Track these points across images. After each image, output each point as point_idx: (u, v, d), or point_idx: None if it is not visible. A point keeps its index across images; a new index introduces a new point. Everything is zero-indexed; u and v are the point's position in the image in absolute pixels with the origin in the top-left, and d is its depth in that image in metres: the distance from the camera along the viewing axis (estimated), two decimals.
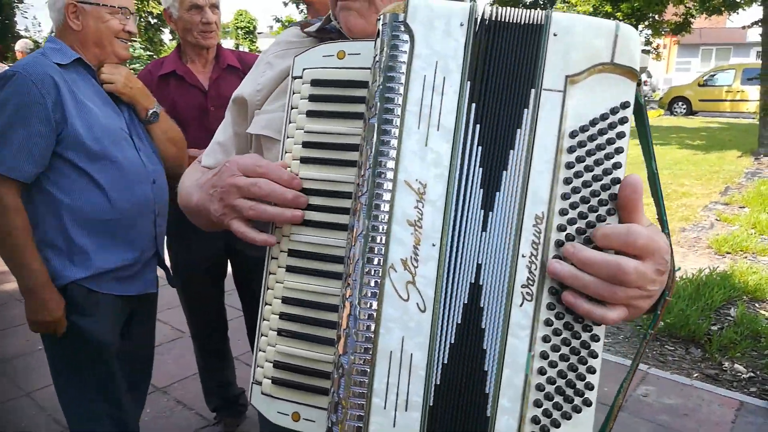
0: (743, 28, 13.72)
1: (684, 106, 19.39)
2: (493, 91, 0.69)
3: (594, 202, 0.68)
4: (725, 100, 18.48)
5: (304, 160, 0.78)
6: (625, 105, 0.68)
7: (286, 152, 0.80)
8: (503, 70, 0.69)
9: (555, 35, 0.68)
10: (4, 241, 1.57)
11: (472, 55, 0.69)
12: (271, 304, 0.80)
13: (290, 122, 0.80)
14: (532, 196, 0.68)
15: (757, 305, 4.03)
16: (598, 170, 0.68)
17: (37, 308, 1.61)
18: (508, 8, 0.70)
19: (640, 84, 0.69)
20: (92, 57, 1.73)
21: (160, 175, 1.84)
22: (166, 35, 24.62)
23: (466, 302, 0.69)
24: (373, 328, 0.69)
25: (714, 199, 7.25)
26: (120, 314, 1.79)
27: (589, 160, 0.68)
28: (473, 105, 0.69)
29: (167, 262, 2.44)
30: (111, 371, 1.76)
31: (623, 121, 0.68)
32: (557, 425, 0.68)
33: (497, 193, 0.69)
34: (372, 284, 0.68)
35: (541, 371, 0.68)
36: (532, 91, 0.68)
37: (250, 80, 1.04)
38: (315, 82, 0.79)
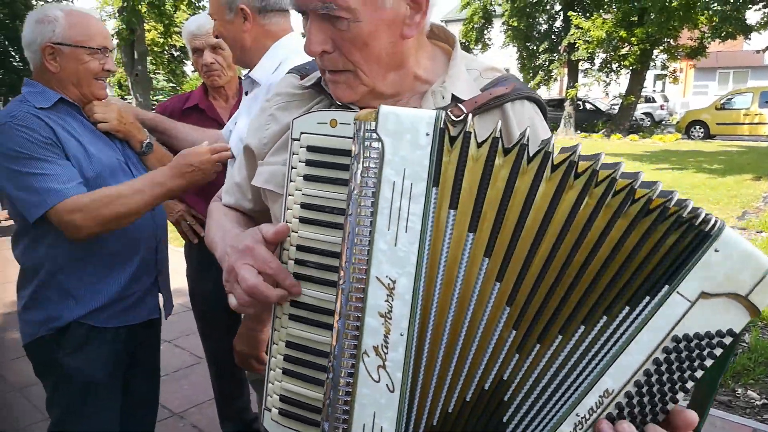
0: (757, 52, 13.73)
1: (702, 130, 19.29)
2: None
3: (657, 399, 0.74)
4: (743, 124, 18.35)
5: (303, 220, 0.86)
6: (731, 333, 0.71)
7: (287, 209, 0.88)
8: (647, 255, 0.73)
9: (716, 251, 0.70)
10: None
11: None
12: (277, 344, 0.89)
13: (291, 181, 0.88)
14: (614, 372, 0.74)
15: None
16: (676, 375, 0.72)
17: (197, 172, 1.66)
18: (690, 205, 0.72)
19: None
20: (72, 96, 1.72)
21: None
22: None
23: (467, 399, 0.79)
24: (348, 402, 0.79)
25: (731, 223, 7.19)
26: (125, 347, 1.79)
27: (675, 365, 0.72)
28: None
29: (186, 289, 2.54)
30: (105, 410, 1.75)
31: (721, 345, 0.71)
32: None
33: (577, 352, 0.75)
34: (349, 366, 0.78)
35: None
36: (666, 287, 0.72)
37: (256, 132, 1.09)
38: (310, 148, 0.86)
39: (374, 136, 0.76)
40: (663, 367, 0.72)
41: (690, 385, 0.72)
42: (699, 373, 0.72)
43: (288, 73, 1.13)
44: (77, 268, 1.66)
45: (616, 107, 22.09)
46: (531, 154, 0.75)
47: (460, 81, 0.98)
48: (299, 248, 0.86)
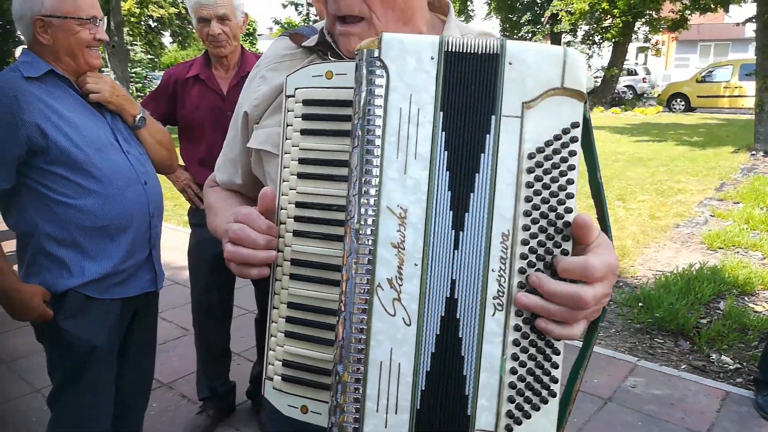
0: (737, 25, 13.78)
1: (682, 103, 19.47)
2: (458, 119, 0.75)
3: (552, 216, 0.74)
4: (723, 96, 18.54)
5: (301, 176, 0.85)
6: (575, 125, 0.73)
7: (284, 167, 0.86)
8: (466, 99, 0.74)
9: (510, 64, 0.73)
10: None
11: (444, 86, 0.75)
12: (278, 308, 0.87)
13: (287, 138, 0.86)
14: (498, 216, 0.73)
15: (746, 299, 4.13)
16: (554, 187, 0.73)
17: (16, 308, 1.63)
18: (468, 38, 0.75)
19: (586, 102, 0.75)
20: (66, 67, 1.73)
21: (151, 176, 1.86)
22: (166, 38, 24.68)
23: (443, 315, 0.76)
24: (363, 340, 0.75)
25: (709, 195, 7.34)
26: (121, 317, 1.82)
27: (546, 179, 0.74)
28: (443, 133, 0.75)
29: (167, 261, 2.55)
30: (101, 378, 1.78)
31: (574, 140, 0.73)
32: (528, 416, 0.76)
33: (466, 214, 0.75)
34: (362, 302, 0.75)
35: (513, 371, 0.76)
36: (493, 117, 0.73)
37: (248, 95, 1.09)
38: (306, 102, 0.85)
39: (378, 63, 0.74)
40: (539, 186, 0.73)
41: (573, 188, 0.73)
42: (573, 174, 0.73)
43: (280, 36, 1.13)
44: (67, 240, 1.67)
45: (599, 80, 22.13)
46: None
47: None
48: (298, 205, 0.85)
